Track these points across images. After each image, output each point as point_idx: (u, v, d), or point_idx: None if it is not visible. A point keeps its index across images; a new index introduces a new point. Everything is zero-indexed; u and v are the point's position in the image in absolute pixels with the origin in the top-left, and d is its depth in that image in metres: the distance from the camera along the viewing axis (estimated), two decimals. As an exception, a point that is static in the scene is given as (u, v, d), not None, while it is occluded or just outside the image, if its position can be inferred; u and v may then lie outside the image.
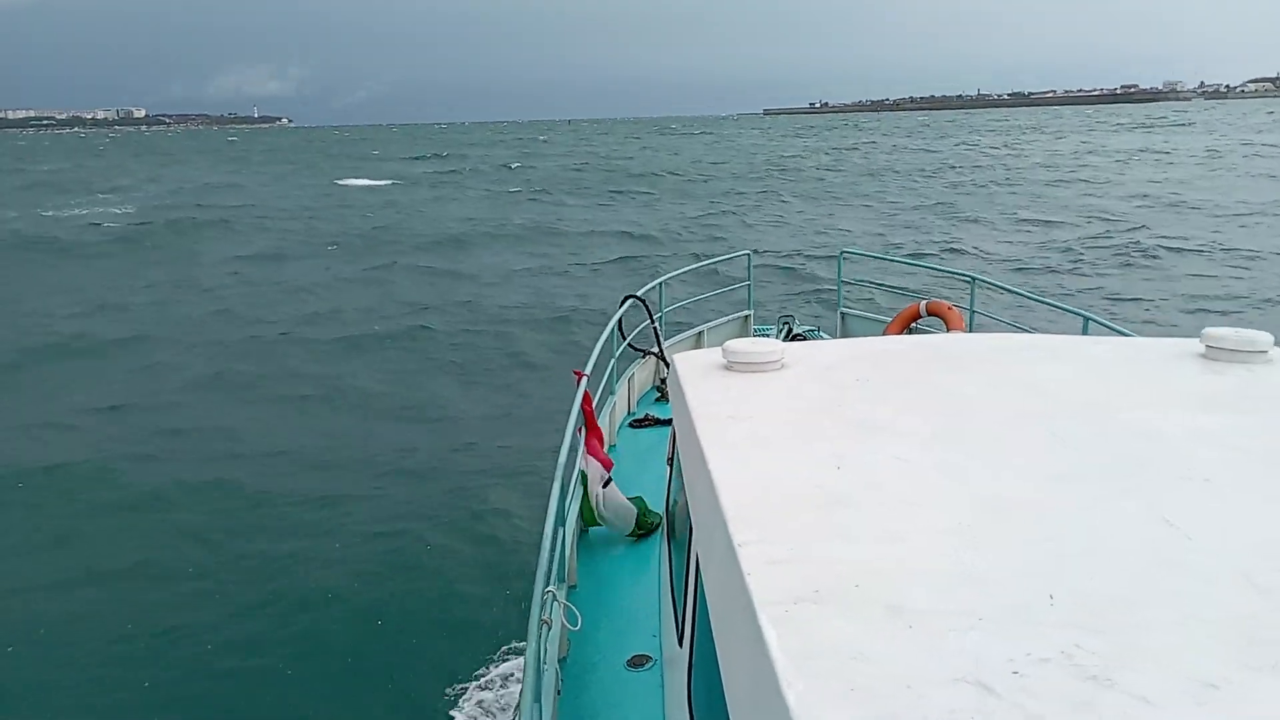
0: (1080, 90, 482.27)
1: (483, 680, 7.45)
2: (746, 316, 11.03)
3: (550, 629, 3.86)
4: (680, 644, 3.47)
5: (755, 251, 12.58)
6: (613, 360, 8.18)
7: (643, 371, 9.40)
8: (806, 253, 28.65)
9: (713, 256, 14.03)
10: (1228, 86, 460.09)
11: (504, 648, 7.78)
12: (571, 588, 5.28)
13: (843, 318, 11.18)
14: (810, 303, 19.89)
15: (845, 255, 11.73)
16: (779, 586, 1.74)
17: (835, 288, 11.37)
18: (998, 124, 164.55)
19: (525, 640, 3.56)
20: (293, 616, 8.46)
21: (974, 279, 9.91)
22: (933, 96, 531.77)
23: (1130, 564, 1.83)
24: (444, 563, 9.52)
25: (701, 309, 11.42)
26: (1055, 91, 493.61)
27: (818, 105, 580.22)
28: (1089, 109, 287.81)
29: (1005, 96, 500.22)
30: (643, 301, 8.79)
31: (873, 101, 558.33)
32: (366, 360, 16.93)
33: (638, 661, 4.51)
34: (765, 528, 2.00)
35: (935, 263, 22.95)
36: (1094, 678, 1.45)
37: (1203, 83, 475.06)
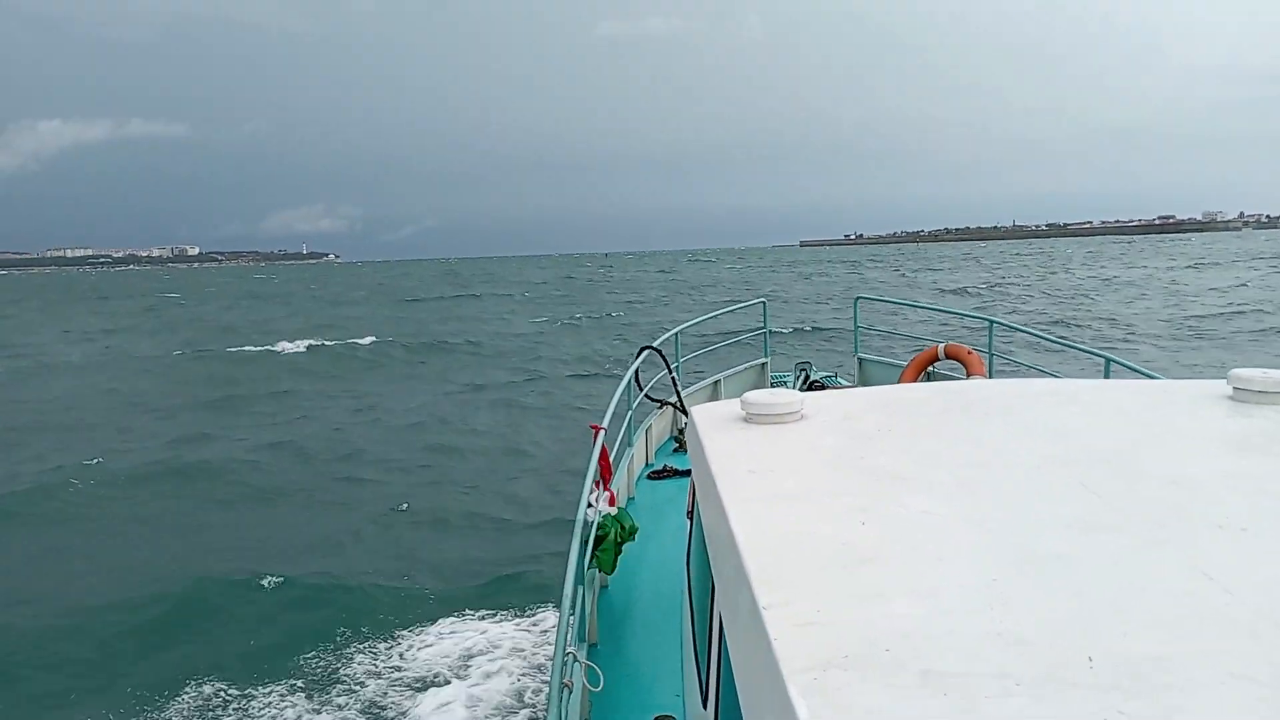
0: (1117, 221, 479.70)
1: None
2: (763, 364, 10.94)
3: (571, 692, 3.84)
4: (705, 705, 3.36)
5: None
6: (630, 412, 8.24)
7: (660, 422, 9.45)
8: None
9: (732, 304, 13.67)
10: (1268, 217, 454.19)
11: (524, 708, 7.51)
12: (592, 646, 5.30)
13: (860, 363, 11.02)
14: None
15: (861, 300, 11.67)
16: (807, 652, 1.67)
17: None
18: (1104, 253, 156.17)
19: (546, 702, 3.72)
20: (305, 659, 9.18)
21: (992, 321, 9.84)
22: (968, 228, 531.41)
23: (1169, 620, 1.73)
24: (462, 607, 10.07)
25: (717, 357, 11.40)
26: (1092, 222, 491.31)
27: (853, 236, 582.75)
28: (1156, 238, 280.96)
29: (1043, 227, 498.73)
30: (659, 352, 8.66)
31: (908, 233, 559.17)
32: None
33: None
34: (790, 589, 1.93)
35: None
36: None
37: (1242, 213, 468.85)
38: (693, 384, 10.14)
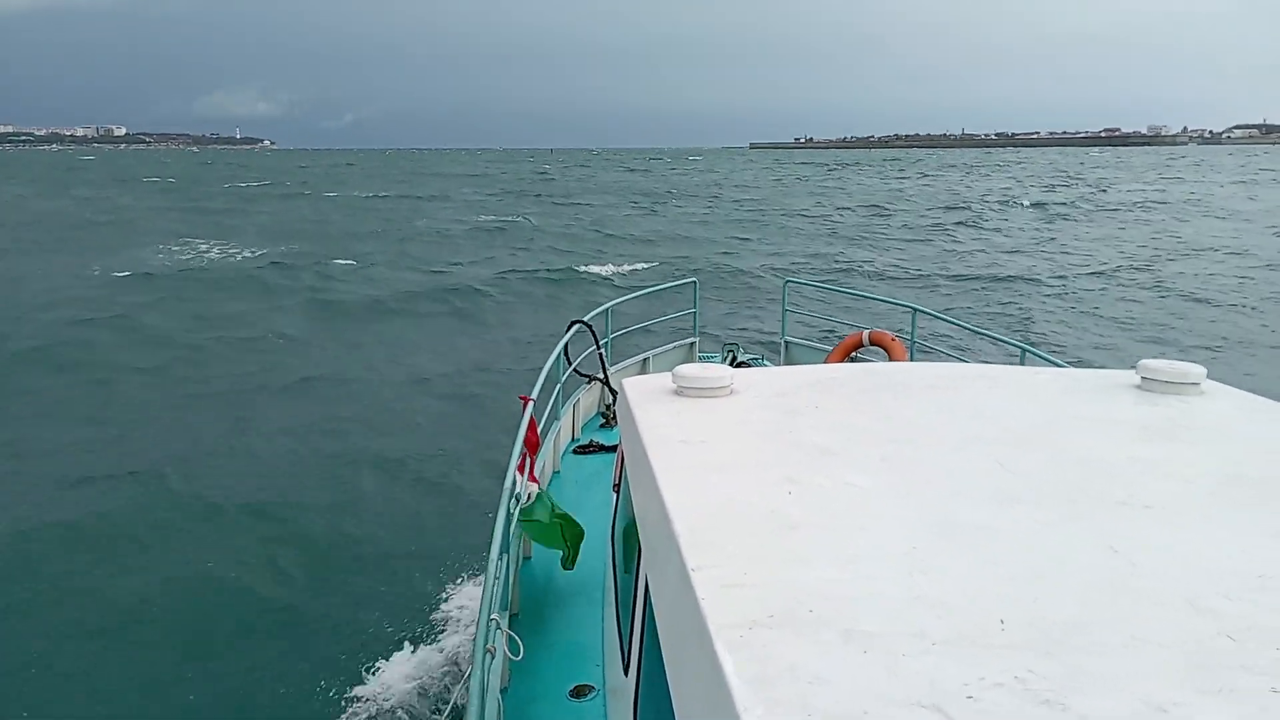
0: (1064, 132, 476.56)
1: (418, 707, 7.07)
2: (692, 344, 11.03)
3: (494, 657, 3.83)
4: (625, 673, 3.39)
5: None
6: (558, 386, 8.08)
7: (588, 397, 9.38)
8: None
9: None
10: (1212, 132, 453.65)
11: (442, 674, 7.45)
12: (513, 616, 5.24)
13: (786, 346, 11.21)
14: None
15: (789, 284, 11.76)
16: (733, 611, 1.73)
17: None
18: (1103, 161, 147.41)
19: (465, 669, 3.76)
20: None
21: (915, 309, 9.95)
22: (919, 135, 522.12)
23: (1077, 589, 1.84)
24: (378, 578, 9.17)
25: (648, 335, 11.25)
26: (1040, 133, 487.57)
27: (803, 140, 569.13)
28: (1107, 150, 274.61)
29: (992, 136, 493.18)
30: (589, 327, 8.93)
31: (858, 138, 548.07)
32: None
33: (580, 691, 4.45)
34: (718, 552, 1.97)
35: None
36: (1046, 702, 1.46)
37: (1185, 128, 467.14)
38: (621, 361, 10.17)
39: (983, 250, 36.88)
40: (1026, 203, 58.83)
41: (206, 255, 34.64)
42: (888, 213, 55.42)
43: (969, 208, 56.94)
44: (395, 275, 29.51)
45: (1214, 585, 1.85)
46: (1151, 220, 48.97)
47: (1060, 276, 29.28)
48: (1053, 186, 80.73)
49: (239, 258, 33.72)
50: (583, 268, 30.76)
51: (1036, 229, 44.89)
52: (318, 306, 24.05)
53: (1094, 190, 74.16)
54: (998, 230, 44.69)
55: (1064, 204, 59.19)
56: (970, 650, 1.59)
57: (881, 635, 1.63)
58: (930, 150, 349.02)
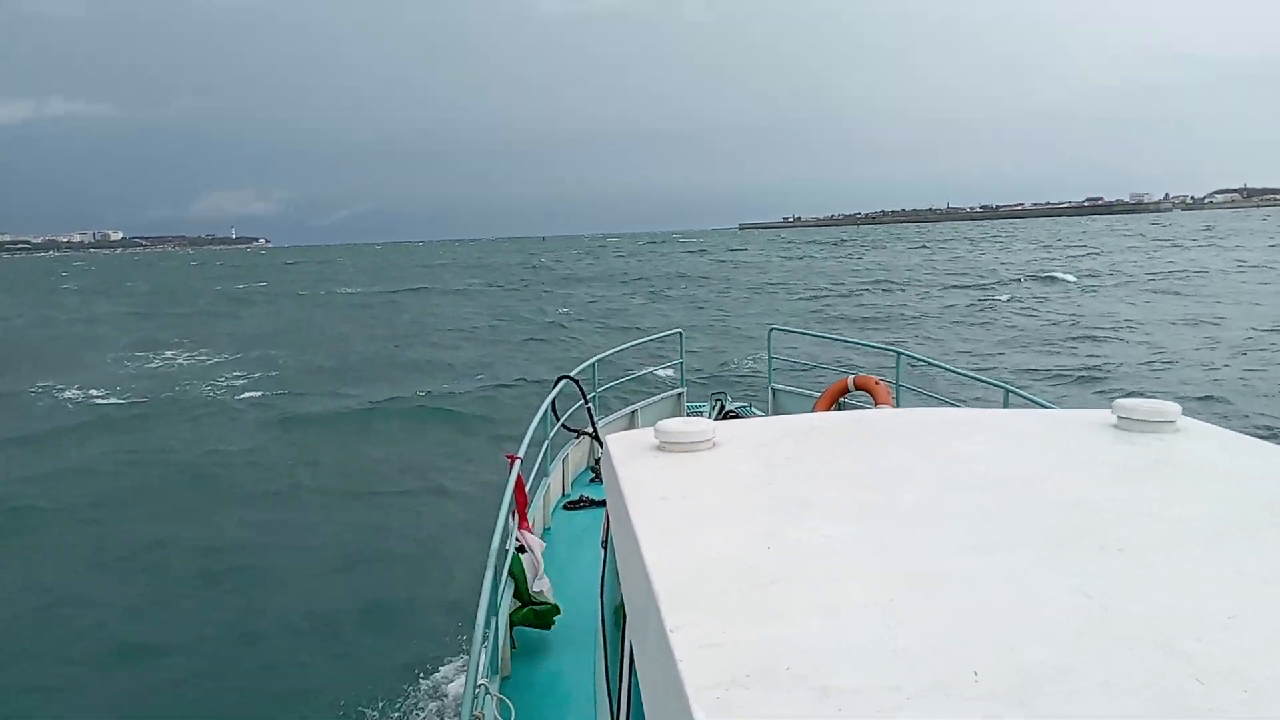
0: (1048, 203, 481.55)
1: None
2: (679, 394, 11.09)
3: None
4: None
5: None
6: (546, 442, 8.05)
7: (577, 452, 9.30)
8: None
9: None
10: (1194, 198, 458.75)
11: None
12: (505, 679, 5.27)
13: (774, 394, 11.13)
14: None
15: (774, 332, 11.70)
16: (711, 671, 1.73)
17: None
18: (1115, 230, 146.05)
19: None
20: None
21: (899, 353, 9.94)
22: (904, 210, 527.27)
23: (1050, 635, 1.84)
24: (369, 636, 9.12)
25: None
26: (1024, 204, 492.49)
27: (791, 219, 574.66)
28: (1093, 220, 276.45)
29: (977, 209, 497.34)
30: (576, 382, 8.65)
31: (845, 215, 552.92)
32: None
33: None
34: (697, 611, 1.98)
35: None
36: None
37: (1167, 194, 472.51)
38: (609, 414, 10.07)
39: (1055, 324, 33.46)
40: (1070, 277, 55.65)
41: (175, 362, 31.20)
42: (905, 288, 52.38)
43: (1001, 283, 53.96)
44: (382, 383, 25.85)
45: (1184, 627, 1.83)
46: (1211, 288, 45.88)
47: (1209, 367, 25.52)
48: (1075, 256, 78.30)
49: (207, 364, 30.47)
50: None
51: (1104, 303, 41.61)
52: (292, 422, 20.56)
53: (1123, 259, 71.58)
54: (1053, 301, 41.47)
55: (1099, 275, 56.30)
56: (944, 702, 1.58)
57: (857, 691, 1.62)
58: (920, 225, 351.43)
